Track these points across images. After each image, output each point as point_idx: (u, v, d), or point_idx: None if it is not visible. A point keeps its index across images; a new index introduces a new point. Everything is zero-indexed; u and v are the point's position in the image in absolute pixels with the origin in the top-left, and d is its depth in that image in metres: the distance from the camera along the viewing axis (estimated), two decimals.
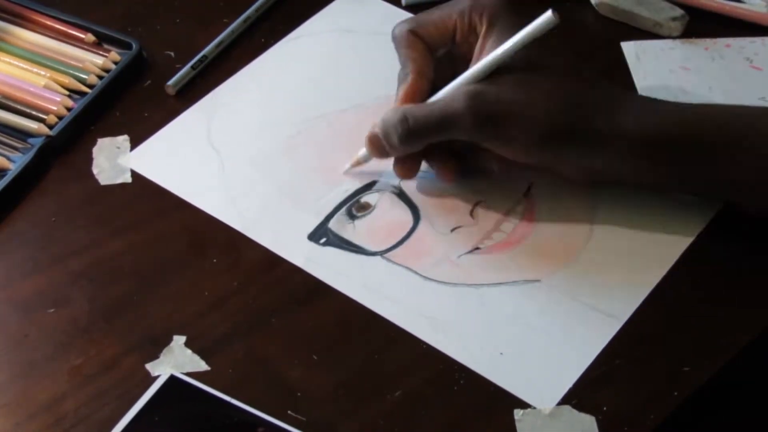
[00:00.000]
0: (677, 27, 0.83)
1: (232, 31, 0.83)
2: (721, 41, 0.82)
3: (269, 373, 0.63)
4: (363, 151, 0.72)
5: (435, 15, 0.71)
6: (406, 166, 0.71)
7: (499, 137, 0.67)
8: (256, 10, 0.84)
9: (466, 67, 0.69)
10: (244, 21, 0.84)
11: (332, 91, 0.79)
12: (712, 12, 0.84)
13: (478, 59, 0.69)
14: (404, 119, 0.68)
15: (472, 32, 0.70)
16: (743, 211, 0.68)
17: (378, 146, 0.70)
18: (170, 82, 0.79)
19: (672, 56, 0.81)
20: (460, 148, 0.71)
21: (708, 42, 0.82)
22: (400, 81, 0.71)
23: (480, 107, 0.66)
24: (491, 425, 0.61)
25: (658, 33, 0.83)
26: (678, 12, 0.83)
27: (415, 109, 0.68)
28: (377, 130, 0.69)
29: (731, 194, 0.68)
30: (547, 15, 0.64)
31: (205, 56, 0.81)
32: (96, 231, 0.71)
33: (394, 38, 0.71)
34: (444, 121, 0.67)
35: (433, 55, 0.71)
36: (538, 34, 0.65)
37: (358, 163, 0.73)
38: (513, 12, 0.69)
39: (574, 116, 0.66)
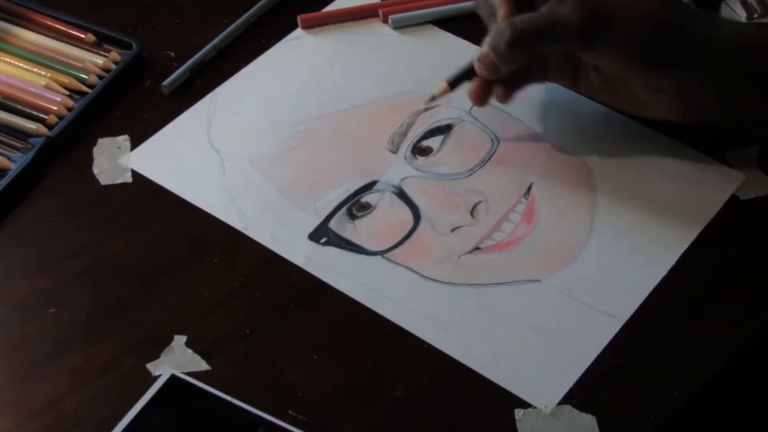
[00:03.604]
0: None
1: (232, 32, 0.83)
2: None
3: (270, 372, 0.63)
4: (441, 85, 0.73)
5: None
6: (485, 91, 0.72)
7: (605, 38, 0.67)
8: (257, 11, 0.84)
9: None
10: (245, 21, 0.84)
11: (332, 92, 0.79)
12: None
13: None
14: (511, 23, 0.68)
15: None
16: None
17: (487, 62, 0.69)
18: (165, 83, 0.79)
19: None
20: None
21: None
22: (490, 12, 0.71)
23: (588, 5, 0.67)
24: (492, 425, 0.61)
25: None
26: None
27: (522, 16, 0.69)
28: (484, 46, 0.69)
29: None
30: None
31: (204, 56, 0.81)
32: (96, 231, 0.71)
33: None
34: (551, 22, 0.67)
35: None
36: None
37: (439, 95, 0.74)
38: None
39: (683, 19, 0.67)
